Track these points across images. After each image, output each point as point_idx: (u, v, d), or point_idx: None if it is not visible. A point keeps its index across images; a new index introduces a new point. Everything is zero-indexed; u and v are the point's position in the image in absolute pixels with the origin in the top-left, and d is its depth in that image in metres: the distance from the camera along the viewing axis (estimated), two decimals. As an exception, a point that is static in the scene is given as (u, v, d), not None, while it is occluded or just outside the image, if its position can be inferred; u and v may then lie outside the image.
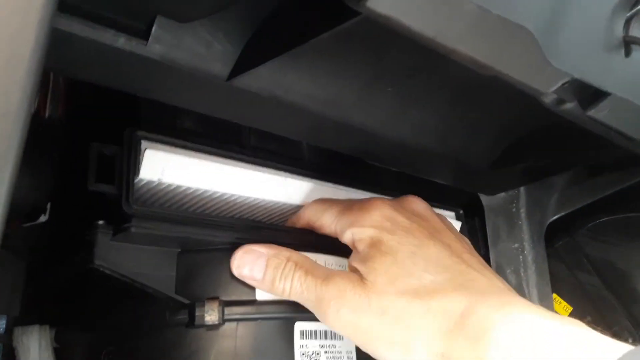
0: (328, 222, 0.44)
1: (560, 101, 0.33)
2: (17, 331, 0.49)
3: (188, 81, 0.37)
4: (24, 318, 0.49)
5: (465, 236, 0.70)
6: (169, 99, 0.39)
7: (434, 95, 0.46)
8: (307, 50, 0.34)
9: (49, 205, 0.48)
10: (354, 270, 0.40)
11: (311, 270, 0.40)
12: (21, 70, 0.19)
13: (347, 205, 0.45)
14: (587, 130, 0.43)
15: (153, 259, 0.42)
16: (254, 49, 0.37)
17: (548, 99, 0.34)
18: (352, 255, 0.42)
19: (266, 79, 0.38)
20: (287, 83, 0.39)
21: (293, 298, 0.41)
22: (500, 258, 0.69)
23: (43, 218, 0.47)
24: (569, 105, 0.35)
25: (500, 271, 0.68)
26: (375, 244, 0.39)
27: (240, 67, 0.38)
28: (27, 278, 0.47)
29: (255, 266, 0.42)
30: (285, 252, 0.42)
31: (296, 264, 0.41)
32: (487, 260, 0.70)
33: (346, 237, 0.42)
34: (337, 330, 0.39)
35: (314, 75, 0.39)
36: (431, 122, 0.49)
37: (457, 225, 0.67)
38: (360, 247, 0.40)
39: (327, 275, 0.39)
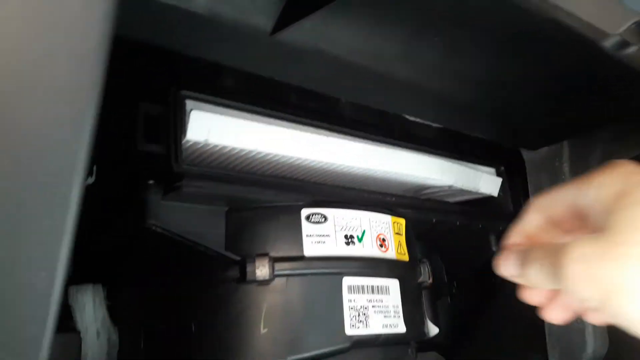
0: None
1: (623, 44, 0.31)
2: (72, 290, 0.51)
3: (232, 36, 0.37)
4: (77, 278, 0.50)
5: (507, 194, 0.69)
6: (212, 55, 0.39)
7: (481, 46, 0.44)
8: (352, 0, 0.33)
9: (94, 167, 0.49)
10: None
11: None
12: (94, 39, 0.19)
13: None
14: (636, 81, 0.42)
15: (203, 217, 0.43)
16: (298, 1, 0.36)
17: (609, 42, 0.33)
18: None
19: (310, 32, 0.37)
20: (332, 36, 0.38)
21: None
22: (542, 213, 0.67)
23: (90, 180, 0.47)
24: (632, 49, 0.33)
25: (542, 226, 0.67)
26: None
27: (284, 20, 0.37)
28: (79, 239, 0.49)
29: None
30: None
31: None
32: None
33: None
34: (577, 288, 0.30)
35: (359, 26, 0.38)
36: (477, 73, 0.48)
37: (498, 182, 0.66)
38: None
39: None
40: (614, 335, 0.62)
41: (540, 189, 0.68)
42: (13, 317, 0.20)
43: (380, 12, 0.37)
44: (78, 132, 0.20)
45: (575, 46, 0.36)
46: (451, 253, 0.73)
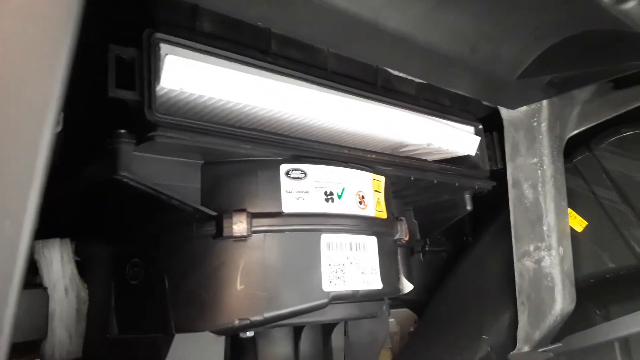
0: None
1: (622, -2, 0.30)
2: (38, 245, 0.49)
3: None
4: (44, 232, 0.48)
5: (484, 152, 0.69)
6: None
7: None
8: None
9: (62, 115, 0.46)
10: None
11: None
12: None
13: None
14: (623, 40, 0.41)
15: (177, 170, 0.41)
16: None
17: (609, -5, 0.31)
18: None
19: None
20: (318, -21, 0.36)
21: None
22: (518, 173, 0.68)
23: (58, 128, 0.44)
24: (631, 4, 0.32)
25: (517, 186, 0.68)
26: None
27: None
28: (46, 190, 0.46)
29: None
30: None
31: None
32: (503, 175, 0.69)
33: None
34: None
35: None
36: (465, 26, 0.46)
37: (476, 140, 0.66)
38: None
39: None
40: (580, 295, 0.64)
41: (517, 147, 0.68)
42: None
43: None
44: (50, 75, 0.18)
45: (566, 2, 0.34)
46: (425, 210, 0.73)
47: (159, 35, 0.37)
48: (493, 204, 0.72)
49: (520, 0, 0.45)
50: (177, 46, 0.39)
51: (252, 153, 0.43)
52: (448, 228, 0.74)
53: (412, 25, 0.43)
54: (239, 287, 0.40)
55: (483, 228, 0.77)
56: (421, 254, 0.80)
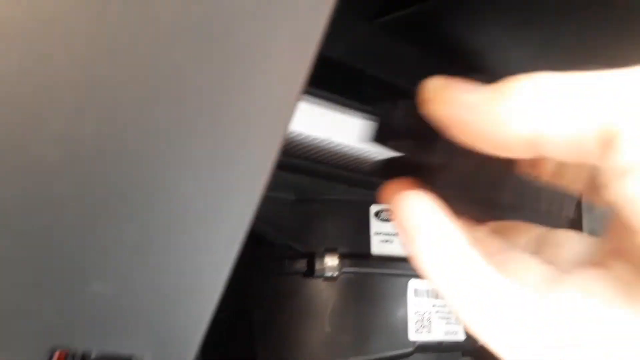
0: None
1: None
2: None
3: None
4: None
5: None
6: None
7: (577, 34, 0.42)
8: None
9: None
10: None
11: None
12: None
13: None
14: None
15: (270, 204, 0.41)
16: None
17: None
18: None
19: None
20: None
21: None
22: (593, 224, 0.65)
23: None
24: None
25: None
26: None
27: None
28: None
29: None
30: None
31: None
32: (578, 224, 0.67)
33: None
34: None
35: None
36: (570, 65, 0.45)
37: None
38: None
39: None
40: None
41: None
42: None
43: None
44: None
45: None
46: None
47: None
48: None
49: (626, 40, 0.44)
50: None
51: (344, 193, 0.43)
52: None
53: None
54: (327, 328, 0.40)
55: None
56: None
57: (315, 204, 0.43)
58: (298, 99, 0.18)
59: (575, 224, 0.67)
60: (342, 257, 0.41)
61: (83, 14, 0.14)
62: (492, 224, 0.23)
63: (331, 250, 0.40)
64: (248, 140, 0.17)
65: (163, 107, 0.16)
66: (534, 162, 0.23)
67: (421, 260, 0.19)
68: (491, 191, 0.26)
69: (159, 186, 0.17)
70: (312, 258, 0.40)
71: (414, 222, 0.19)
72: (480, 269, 0.18)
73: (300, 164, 0.41)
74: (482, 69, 0.39)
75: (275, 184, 0.41)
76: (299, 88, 0.17)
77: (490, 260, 0.19)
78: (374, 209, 0.44)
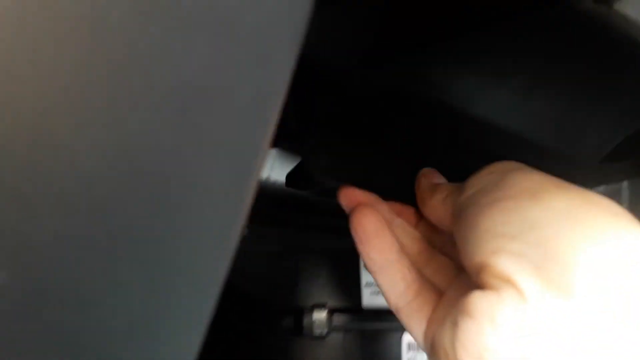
0: None
1: None
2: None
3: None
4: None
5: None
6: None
7: (565, 81, 0.41)
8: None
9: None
10: None
11: None
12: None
13: None
14: None
15: (255, 258, 0.39)
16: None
17: None
18: None
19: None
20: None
21: None
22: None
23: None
24: None
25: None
26: None
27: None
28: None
29: None
30: None
31: None
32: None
33: None
34: None
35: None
36: (551, 111, 0.44)
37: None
38: None
39: None
40: None
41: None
42: None
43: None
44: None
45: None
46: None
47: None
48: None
49: (604, 88, 0.43)
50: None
51: (332, 242, 0.41)
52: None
53: (501, 114, 0.41)
54: (317, 390, 0.38)
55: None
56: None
57: (301, 255, 0.41)
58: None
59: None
60: (332, 312, 0.39)
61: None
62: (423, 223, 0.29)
63: (319, 306, 0.38)
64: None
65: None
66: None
67: (366, 260, 0.26)
68: None
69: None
70: (299, 314, 0.38)
71: (362, 234, 0.26)
72: (405, 271, 0.26)
73: (284, 215, 0.40)
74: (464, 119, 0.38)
75: (260, 238, 0.39)
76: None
77: (418, 258, 0.27)
78: (363, 258, 0.42)
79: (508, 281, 0.18)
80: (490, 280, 0.18)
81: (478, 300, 0.19)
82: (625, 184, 0.63)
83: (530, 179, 0.21)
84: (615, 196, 0.63)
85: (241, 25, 0.10)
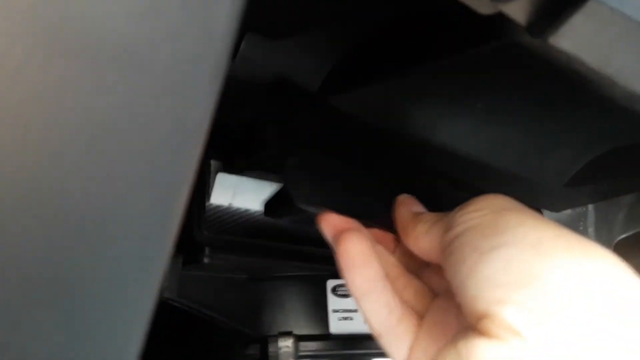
0: None
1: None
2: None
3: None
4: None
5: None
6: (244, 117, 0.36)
7: (522, 110, 0.42)
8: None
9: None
10: None
11: None
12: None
13: None
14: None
15: (220, 287, 0.39)
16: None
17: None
18: None
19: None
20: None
21: None
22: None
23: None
24: None
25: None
26: None
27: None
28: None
29: None
30: None
31: None
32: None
33: None
34: None
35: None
36: (512, 138, 0.45)
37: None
38: None
39: None
40: None
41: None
42: None
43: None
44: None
45: (614, 114, 0.33)
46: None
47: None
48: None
49: (565, 115, 0.44)
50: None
51: (298, 269, 0.41)
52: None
53: (462, 141, 0.42)
54: (284, 420, 0.37)
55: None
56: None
57: (267, 283, 0.41)
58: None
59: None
60: (298, 339, 0.39)
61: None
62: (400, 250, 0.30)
63: (285, 334, 0.38)
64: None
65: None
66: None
67: (350, 287, 0.27)
68: None
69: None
70: (265, 343, 0.38)
71: (348, 261, 0.26)
72: (389, 297, 0.26)
73: (253, 244, 0.40)
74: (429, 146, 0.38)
75: (223, 265, 0.39)
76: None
77: (395, 284, 0.27)
78: (330, 284, 0.42)
79: (515, 333, 0.18)
80: (495, 329, 0.19)
81: (487, 351, 0.19)
82: (590, 207, 0.64)
83: (526, 224, 0.22)
84: (581, 220, 0.65)
85: (156, 62, 0.11)
